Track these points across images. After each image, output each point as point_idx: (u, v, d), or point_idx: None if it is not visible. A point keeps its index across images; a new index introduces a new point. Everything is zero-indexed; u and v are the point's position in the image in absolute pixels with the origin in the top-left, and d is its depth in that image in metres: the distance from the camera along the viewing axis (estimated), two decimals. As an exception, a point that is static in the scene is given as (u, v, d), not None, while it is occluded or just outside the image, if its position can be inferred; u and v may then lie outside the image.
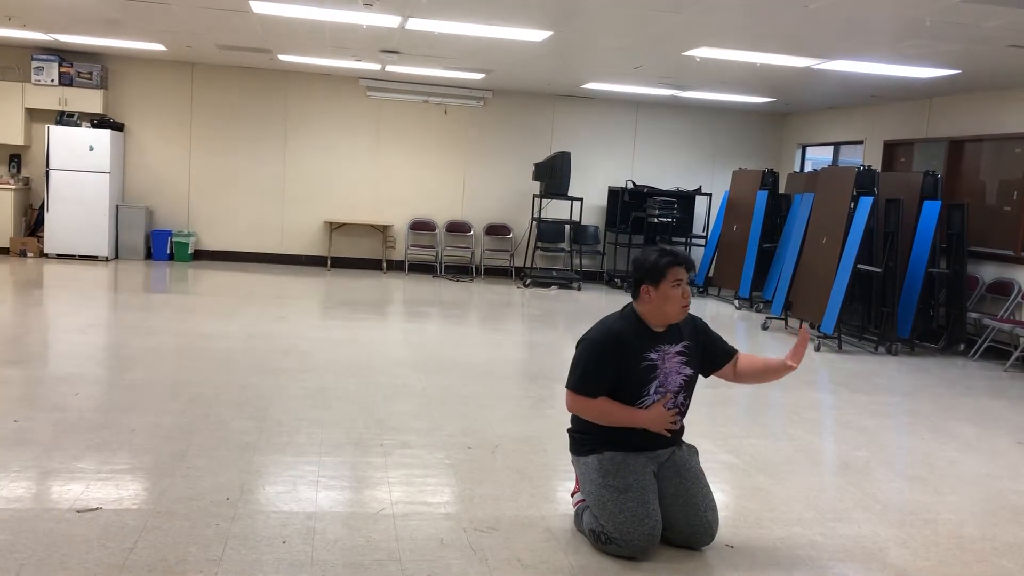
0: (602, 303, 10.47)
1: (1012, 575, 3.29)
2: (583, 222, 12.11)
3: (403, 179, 12.06)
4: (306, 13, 7.18)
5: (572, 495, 3.59)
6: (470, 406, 5.27)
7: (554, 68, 9.58)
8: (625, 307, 3.41)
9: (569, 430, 3.49)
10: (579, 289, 11.47)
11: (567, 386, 3.35)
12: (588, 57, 8.75)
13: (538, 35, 7.45)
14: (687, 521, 3.27)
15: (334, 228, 11.84)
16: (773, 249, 10.55)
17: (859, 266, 8.04)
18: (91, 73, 10.92)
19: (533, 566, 3.08)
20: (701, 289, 11.77)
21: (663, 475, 3.34)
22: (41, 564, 2.84)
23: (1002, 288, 8.42)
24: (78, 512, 3.27)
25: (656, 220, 11.56)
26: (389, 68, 10.44)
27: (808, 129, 12.25)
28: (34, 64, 10.71)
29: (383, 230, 12.00)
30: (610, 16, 6.63)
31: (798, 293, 8.98)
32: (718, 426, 5.12)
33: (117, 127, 11.08)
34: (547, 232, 12.13)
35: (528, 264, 11.79)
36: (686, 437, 3.54)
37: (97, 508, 3.31)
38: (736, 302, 10.89)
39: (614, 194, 12.25)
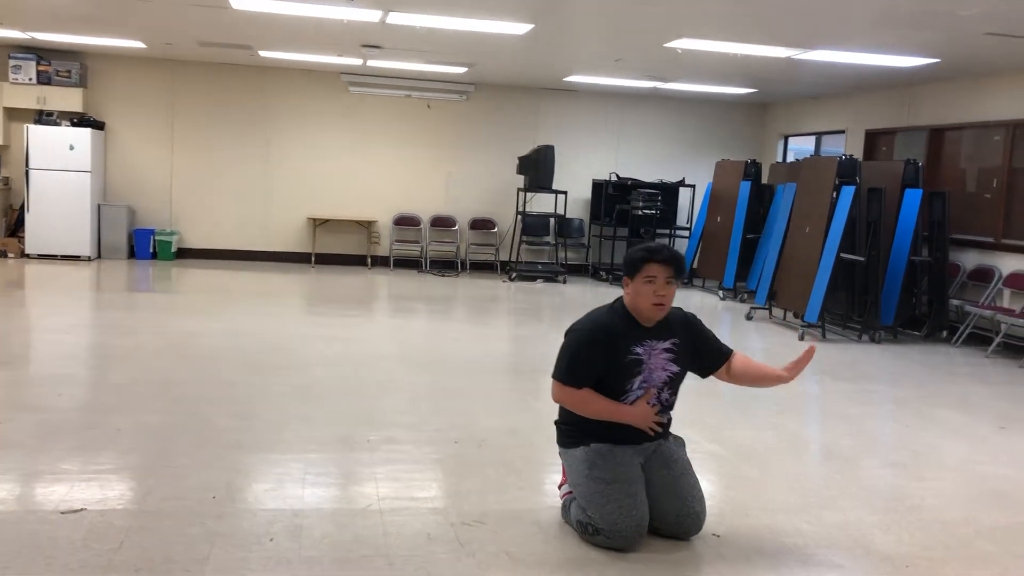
0: (587, 296, 10.49)
1: (994, 558, 3.33)
2: (568, 215, 12.11)
3: (387, 174, 12.03)
4: (286, 8, 7.14)
5: (559, 487, 3.60)
6: (456, 401, 5.27)
7: (536, 61, 9.57)
8: (616, 300, 3.42)
9: (556, 422, 3.50)
10: (564, 282, 11.48)
11: (553, 375, 3.35)
12: (570, 50, 8.75)
13: (519, 28, 7.44)
14: (675, 512, 3.28)
15: (318, 224, 11.80)
16: (757, 239, 10.60)
17: (842, 255, 8.09)
18: (70, 71, 10.82)
19: (521, 559, 3.08)
20: (685, 281, 11.81)
21: (651, 466, 3.35)
22: (25, 566, 2.82)
23: (983, 275, 8.48)
24: (62, 513, 3.25)
25: (640, 212, 11.58)
26: (371, 63, 10.41)
27: (790, 119, 12.29)
28: (11, 63, 10.61)
29: (367, 226, 11.97)
30: (591, 8, 6.63)
31: (782, 283, 9.03)
32: (704, 416, 5.14)
33: (97, 126, 10.99)
34: (532, 226, 12.12)
35: (513, 258, 11.79)
36: (673, 428, 3.55)
37: (82, 509, 3.29)
38: (720, 293, 10.93)
39: (598, 187, 12.26)
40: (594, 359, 3.28)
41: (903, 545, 3.40)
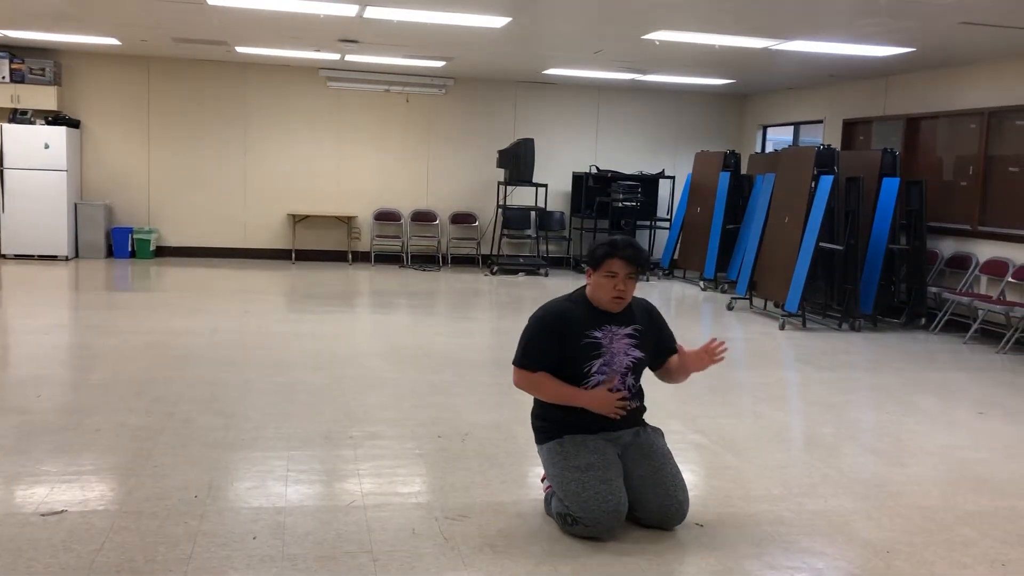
0: (569, 288, 10.37)
1: (974, 542, 3.37)
2: (548, 208, 12.12)
3: (366, 169, 11.99)
4: (262, 4, 7.09)
5: (542, 480, 3.61)
6: (439, 395, 5.27)
7: (515, 54, 9.56)
8: (578, 289, 3.49)
9: (532, 418, 3.52)
10: (546, 275, 11.49)
11: (512, 361, 3.43)
12: (548, 42, 8.75)
13: (497, 21, 7.43)
14: (658, 502, 3.29)
15: (297, 220, 11.75)
16: (736, 230, 10.64)
17: (821, 244, 8.14)
18: (44, 69, 10.70)
19: (505, 552, 3.09)
20: (666, 271, 11.84)
21: (630, 458, 3.36)
22: (6, 569, 2.80)
23: (961, 262, 8.56)
24: (43, 515, 3.22)
25: (620, 204, 11.60)
26: (349, 58, 10.36)
27: (768, 110, 12.34)
28: (-16, 61, 10.49)
29: (347, 221, 11.93)
30: (568, 1, 6.62)
31: (762, 273, 9.07)
32: (685, 406, 5.16)
33: (73, 124, 10.88)
34: (513, 219, 12.12)
35: (495, 252, 11.79)
36: (652, 419, 3.56)
37: (62, 511, 3.27)
38: (701, 283, 10.98)
39: (578, 179, 12.27)
40: (548, 342, 3.34)
41: (884, 531, 3.43)
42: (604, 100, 12.52)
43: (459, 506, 3.49)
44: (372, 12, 7.20)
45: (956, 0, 5.88)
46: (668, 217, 12.30)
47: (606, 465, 3.26)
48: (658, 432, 3.52)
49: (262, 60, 11.06)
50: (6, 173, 10.40)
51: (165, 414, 4.57)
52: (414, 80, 11.82)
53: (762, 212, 9.48)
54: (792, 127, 12.08)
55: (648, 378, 3.54)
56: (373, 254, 11.98)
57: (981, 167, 8.55)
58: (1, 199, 10.46)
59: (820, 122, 11.08)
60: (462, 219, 12.29)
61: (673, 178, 12.35)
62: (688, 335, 7.81)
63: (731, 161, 10.84)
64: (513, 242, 12.38)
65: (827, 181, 8.17)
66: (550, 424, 3.40)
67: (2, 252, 10.55)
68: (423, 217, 12.17)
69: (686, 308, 9.54)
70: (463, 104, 12.14)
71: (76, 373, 5.60)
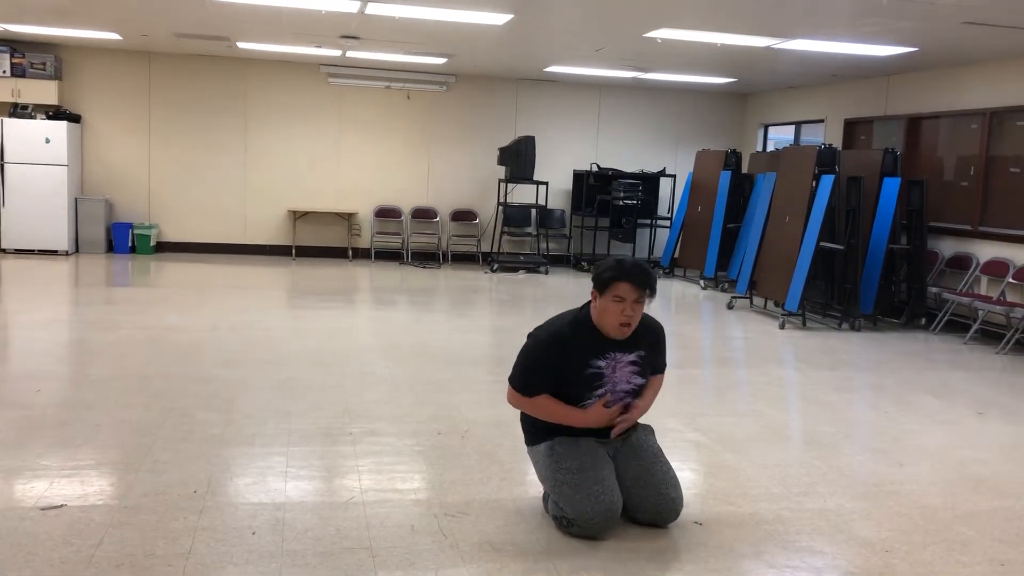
0: (569, 286, 10.51)
1: (972, 541, 3.37)
2: (549, 206, 12.11)
3: (367, 166, 11.98)
4: (263, -1, 7.09)
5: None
6: (439, 392, 5.27)
7: (516, 52, 9.55)
8: (584, 307, 3.34)
9: (521, 422, 3.50)
10: (546, 273, 11.49)
11: (509, 379, 3.35)
12: (550, 40, 8.74)
13: (499, 18, 7.42)
14: (651, 501, 3.28)
15: (298, 217, 11.75)
16: (737, 229, 10.64)
17: (822, 244, 8.13)
18: (45, 64, 10.70)
19: (504, 549, 3.09)
20: (667, 270, 11.84)
21: (621, 459, 3.34)
22: (5, 563, 2.80)
23: (961, 262, 8.56)
24: (42, 510, 3.22)
25: (621, 203, 11.60)
26: (350, 54, 10.35)
27: (769, 109, 12.33)
28: (-15, 55, 10.49)
29: (348, 218, 11.92)
30: (570, -2, 6.62)
31: (762, 272, 9.07)
32: (684, 404, 5.16)
33: (73, 118, 10.88)
34: (513, 217, 12.11)
35: (495, 249, 11.78)
36: (650, 418, 3.56)
37: (62, 505, 3.27)
38: (701, 282, 10.97)
39: (579, 177, 12.26)
40: (548, 369, 3.26)
41: (883, 530, 3.44)
42: (605, 98, 12.51)
43: (458, 503, 3.49)
44: (374, 8, 7.19)
45: (958, 0, 5.88)
46: (669, 216, 12.29)
47: (597, 464, 3.24)
48: (648, 429, 3.49)
49: (263, 56, 11.05)
50: (6, 168, 10.40)
51: (165, 409, 4.58)
52: (415, 77, 11.81)
53: (763, 211, 9.48)
54: (793, 126, 12.07)
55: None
56: (373, 251, 11.97)
57: (982, 167, 8.54)
58: (1, 194, 10.45)
59: (821, 121, 11.08)
60: (462, 216, 12.28)
61: (674, 176, 12.34)
62: (688, 334, 7.82)
63: (732, 160, 10.83)
64: (513, 240, 12.38)
65: (828, 180, 8.16)
66: (539, 428, 3.38)
67: (2, 247, 10.55)
68: (423, 214, 12.16)
69: (686, 307, 9.54)
70: (464, 101, 12.13)
71: (76, 368, 5.60)
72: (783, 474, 4.08)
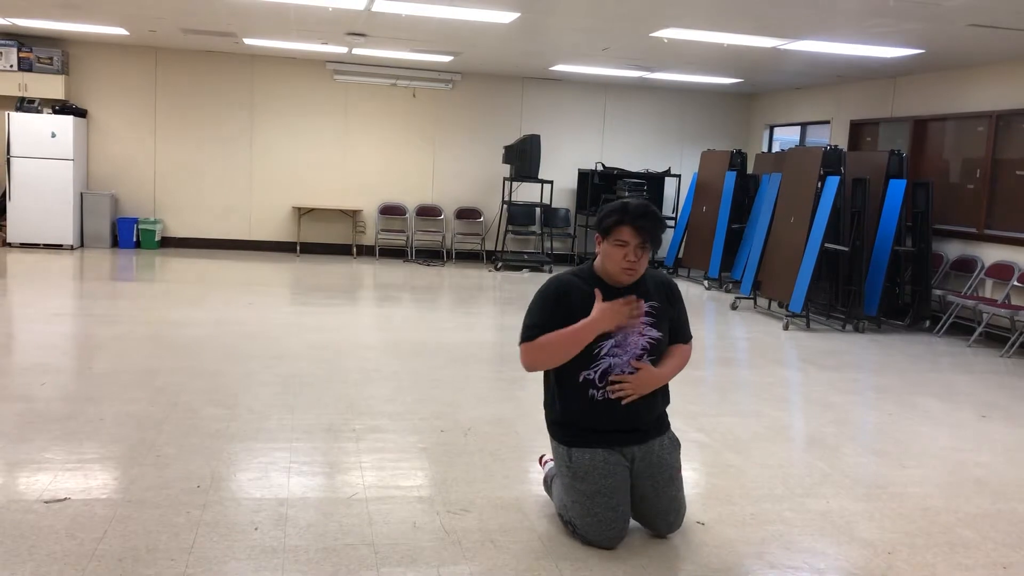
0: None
1: (974, 544, 3.36)
2: (554, 205, 12.11)
3: (372, 163, 11.99)
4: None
5: (541, 461, 3.59)
6: (442, 389, 5.27)
7: (522, 50, 9.55)
8: (586, 262, 3.23)
9: (544, 408, 3.36)
10: (550, 272, 11.48)
11: (518, 342, 3.16)
12: (556, 39, 8.73)
13: (505, 16, 7.42)
14: (649, 518, 3.22)
15: (303, 213, 11.76)
16: (742, 229, 10.63)
17: (826, 245, 8.12)
18: (51, 58, 10.71)
19: (506, 547, 3.09)
20: (671, 270, 11.83)
21: (637, 471, 3.18)
22: (8, 556, 2.81)
23: (966, 265, 8.54)
24: (46, 503, 3.23)
25: (626, 202, 11.56)
26: (356, 51, 10.35)
27: (775, 109, 12.32)
28: (-8, 49, 10.51)
29: (353, 215, 11.93)
30: (577, -3, 6.61)
31: (767, 273, 9.06)
32: (688, 404, 5.16)
33: (79, 113, 10.90)
34: (518, 215, 12.12)
35: (499, 248, 11.78)
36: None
37: (65, 498, 3.28)
38: (706, 282, 10.97)
39: (584, 176, 12.26)
40: (554, 312, 3.06)
41: (885, 532, 3.43)
42: (611, 97, 12.50)
43: (461, 500, 3.49)
44: (380, 6, 7.20)
45: (966, 2, 5.87)
46: (673, 216, 12.28)
47: (613, 491, 3.09)
48: (674, 445, 3.28)
49: (270, 52, 11.06)
50: (13, 162, 10.42)
51: (168, 404, 4.58)
52: (421, 75, 11.81)
53: (767, 212, 9.47)
54: (799, 127, 12.05)
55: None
56: (378, 248, 11.98)
57: (988, 170, 8.52)
58: (8, 188, 10.47)
59: (827, 123, 11.06)
60: (467, 214, 12.28)
61: (679, 176, 12.33)
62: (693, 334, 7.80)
63: (737, 160, 10.82)
64: (518, 238, 12.37)
65: (833, 182, 8.15)
66: (563, 429, 3.21)
67: (8, 240, 10.57)
68: (428, 212, 12.16)
69: (690, 307, 9.44)
70: (470, 99, 12.13)
71: (80, 362, 5.61)
72: (786, 475, 4.07)
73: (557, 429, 3.26)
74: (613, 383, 3.10)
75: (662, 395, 3.29)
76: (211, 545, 2.96)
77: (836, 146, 8.64)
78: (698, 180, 11.59)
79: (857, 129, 10.50)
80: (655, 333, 3.14)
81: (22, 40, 10.62)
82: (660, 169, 12.43)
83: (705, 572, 3.01)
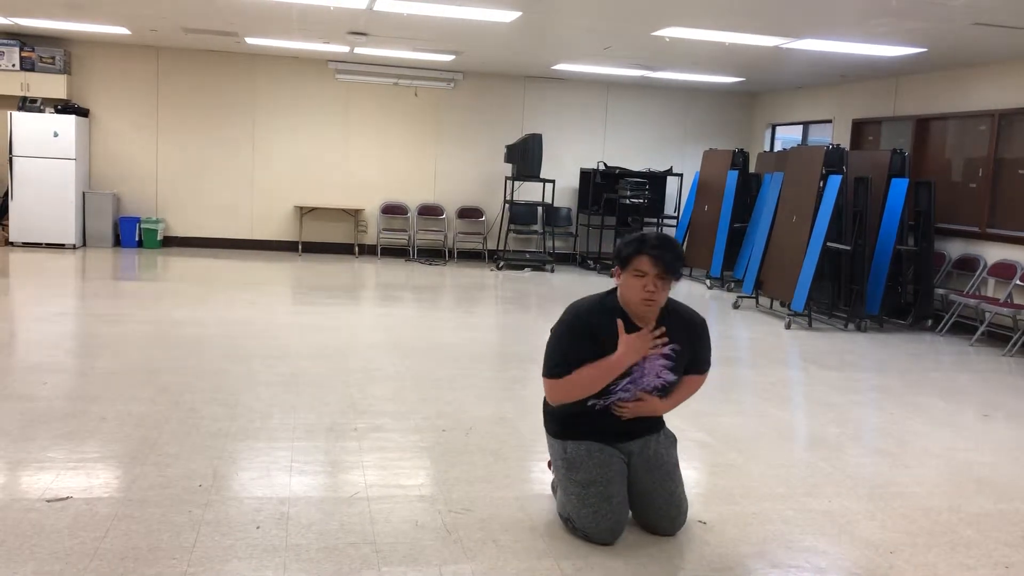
0: (575, 285, 10.50)
1: (976, 544, 3.36)
2: (555, 204, 12.11)
3: (374, 162, 11.99)
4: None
5: (549, 465, 3.59)
6: (444, 389, 5.27)
7: (524, 49, 9.55)
8: (610, 290, 3.20)
9: (543, 407, 3.40)
10: (552, 271, 11.48)
11: (543, 375, 3.18)
12: (557, 38, 8.73)
13: (507, 16, 7.42)
14: (651, 517, 3.24)
15: (305, 213, 11.76)
16: (744, 229, 10.62)
17: (828, 244, 8.12)
18: (54, 58, 10.72)
19: (508, 546, 3.09)
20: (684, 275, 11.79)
21: (634, 467, 3.21)
22: (10, 554, 2.81)
23: (968, 264, 8.54)
24: (48, 502, 3.23)
25: (628, 201, 11.58)
26: (358, 50, 10.35)
27: (777, 108, 12.31)
28: (-6, 49, 10.52)
29: (354, 214, 11.93)
30: (579, -4, 6.61)
31: (769, 272, 9.06)
32: (689, 403, 5.13)
33: (82, 113, 10.91)
34: (520, 214, 12.12)
35: (501, 247, 11.78)
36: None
37: (67, 497, 3.28)
38: (708, 282, 10.96)
39: (586, 176, 12.25)
40: (582, 344, 3.08)
41: (887, 532, 3.43)
42: (613, 96, 12.50)
43: (462, 499, 3.49)
44: (382, 5, 7.20)
45: (969, 1, 5.86)
46: (675, 215, 12.27)
47: (608, 479, 3.13)
48: (670, 440, 3.34)
49: (271, 51, 11.06)
50: (15, 161, 10.43)
51: (170, 403, 4.59)
52: (423, 74, 11.81)
53: (770, 211, 9.46)
54: (801, 126, 12.05)
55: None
56: (379, 247, 11.99)
57: (990, 169, 8.51)
58: (10, 187, 10.49)
59: (829, 122, 11.05)
60: (469, 214, 12.28)
61: (681, 175, 12.32)
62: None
63: (739, 159, 10.81)
64: (519, 237, 12.37)
65: (835, 181, 8.14)
66: (558, 425, 3.27)
67: (11, 240, 10.58)
68: (430, 211, 12.16)
69: (692, 306, 9.50)
70: (471, 98, 12.13)
71: (82, 361, 5.61)
72: (787, 474, 4.07)
73: (553, 424, 3.30)
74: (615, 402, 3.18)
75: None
76: (213, 544, 2.96)
77: (838, 145, 8.63)
78: (700, 179, 11.58)
79: (859, 128, 10.48)
80: (670, 377, 3.22)
81: (24, 40, 10.63)
82: (662, 168, 12.42)
83: (707, 571, 3.01)
